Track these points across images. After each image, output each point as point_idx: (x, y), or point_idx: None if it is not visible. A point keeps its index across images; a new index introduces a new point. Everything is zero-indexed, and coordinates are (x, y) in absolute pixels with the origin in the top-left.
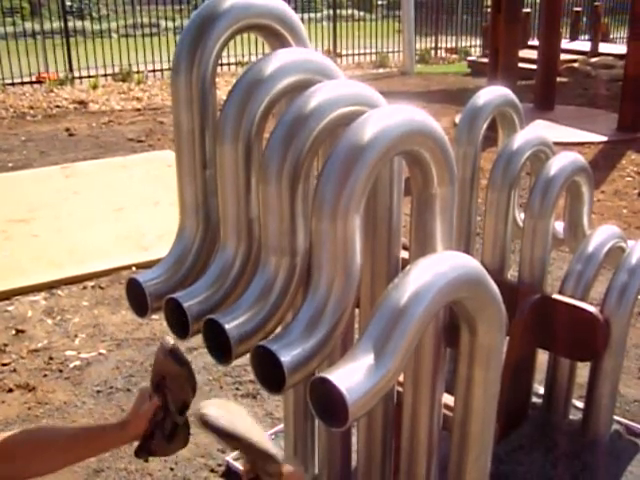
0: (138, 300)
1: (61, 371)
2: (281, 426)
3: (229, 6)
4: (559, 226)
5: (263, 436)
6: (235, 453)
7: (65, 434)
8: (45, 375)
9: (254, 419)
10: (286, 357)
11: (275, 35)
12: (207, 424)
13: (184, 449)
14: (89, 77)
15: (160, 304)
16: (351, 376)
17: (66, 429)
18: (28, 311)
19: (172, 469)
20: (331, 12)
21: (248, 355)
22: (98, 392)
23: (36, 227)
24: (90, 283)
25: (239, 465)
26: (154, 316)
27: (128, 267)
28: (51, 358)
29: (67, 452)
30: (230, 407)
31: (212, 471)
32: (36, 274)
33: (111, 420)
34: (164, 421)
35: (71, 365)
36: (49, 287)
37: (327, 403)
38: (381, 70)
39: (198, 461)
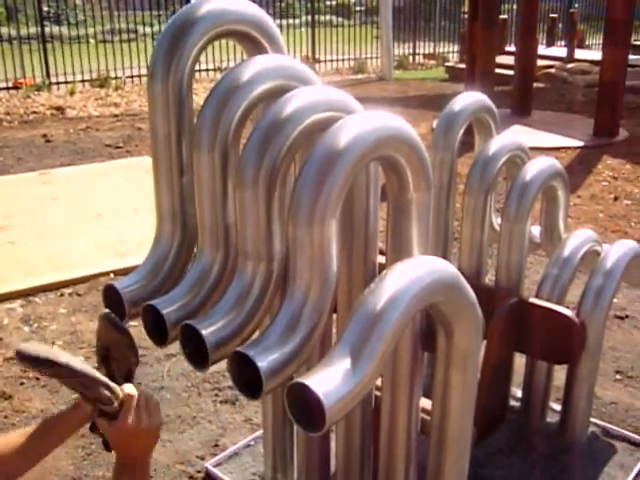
0: (115, 307)
1: (38, 379)
2: (260, 432)
3: (206, 12)
4: (536, 230)
5: (87, 366)
6: (214, 459)
7: (19, 437)
8: (22, 383)
9: (235, 424)
10: (263, 362)
11: (252, 41)
12: (23, 355)
13: (163, 456)
14: (66, 83)
15: (138, 311)
16: (328, 381)
17: (19, 432)
18: (4, 318)
19: (151, 476)
20: (309, 18)
21: (226, 361)
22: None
23: (13, 234)
24: (68, 290)
25: (219, 472)
26: (132, 323)
27: (106, 274)
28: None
29: (25, 453)
30: (51, 348)
31: (191, 478)
32: (13, 281)
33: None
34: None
35: None
36: (26, 294)
37: (304, 408)
38: (359, 76)
39: (177, 468)
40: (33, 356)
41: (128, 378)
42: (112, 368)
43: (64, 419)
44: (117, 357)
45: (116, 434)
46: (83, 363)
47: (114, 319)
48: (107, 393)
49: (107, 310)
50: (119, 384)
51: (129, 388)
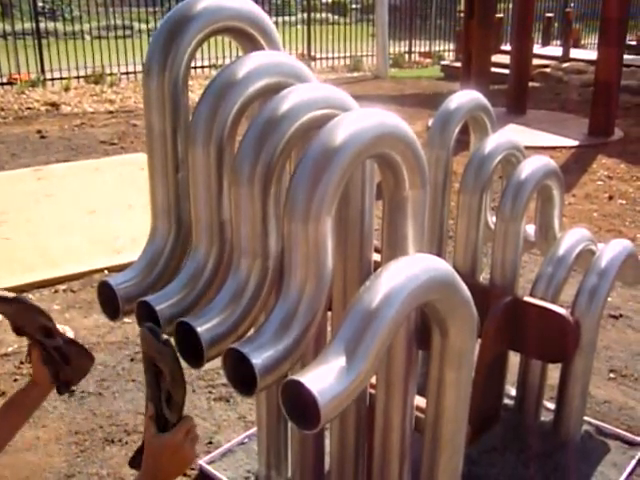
0: (110, 303)
1: (32, 375)
2: (254, 429)
3: (202, 9)
4: (530, 229)
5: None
6: (208, 457)
7: None
8: (16, 380)
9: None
10: (258, 359)
11: (247, 38)
12: (151, 330)
13: None
14: (61, 79)
15: (132, 307)
16: (323, 378)
17: None
18: None
19: None
20: (305, 15)
21: (220, 358)
22: (69, 396)
23: (7, 230)
24: (62, 286)
25: (212, 469)
26: (126, 319)
27: (100, 270)
28: (22, 362)
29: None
30: None
31: (185, 475)
32: (7, 277)
33: (82, 424)
34: (49, 352)
35: None
36: (20, 290)
37: (299, 405)
38: (355, 74)
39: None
40: (156, 331)
41: (48, 334)
42: (30, 334)
43: (29, 393)
44: (24, 323)
45: (160, 445)
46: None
47: (154, 329)
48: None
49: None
50: (45, 342)
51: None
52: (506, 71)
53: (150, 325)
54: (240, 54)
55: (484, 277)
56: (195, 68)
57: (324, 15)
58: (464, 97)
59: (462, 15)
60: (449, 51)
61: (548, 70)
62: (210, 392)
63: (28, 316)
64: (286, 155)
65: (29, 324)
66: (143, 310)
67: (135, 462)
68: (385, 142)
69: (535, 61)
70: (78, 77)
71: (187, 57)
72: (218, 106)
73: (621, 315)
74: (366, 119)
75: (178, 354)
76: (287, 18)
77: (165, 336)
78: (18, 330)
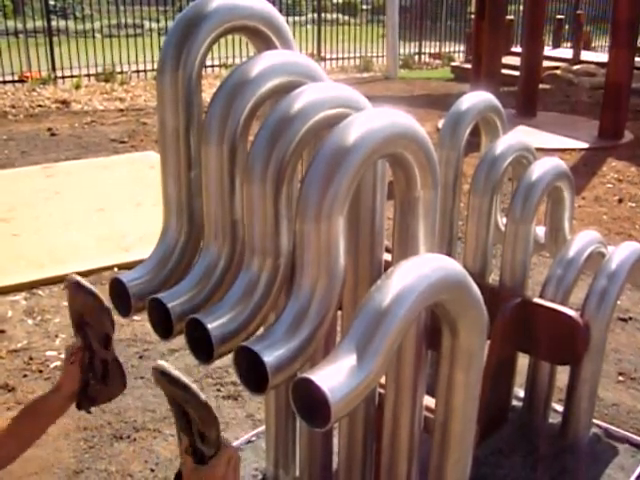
0: (121, 300)
1: (41, 371)
2: (262, 428)
3: (216, 7)
4: (540, 231)
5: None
6: None
7: (8, 426)
8: (25, 375)
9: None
10: (269, 357)
11: (261, 37)
12: (163, 372)
13: (165, 450)
14: (72, 77)
15: (143, 304)
16: (334, 377)
17: (8, 423)
18: (8, 311)
19: (152, 470)
20: (315, 16)
21: (230, 356)
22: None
23: (17, 227)
24: None
25: None
26: (135, 317)
27: (109, 268)
28: (31, 358)
29: (15, 436)
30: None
31: None
32: (16, 274)
33: (90, 420)
34: (93, 362)
35: (51, 365)
36: (30, 287)
37: (310, 403)
38: (365, 74)
39: (179, 462)
40: (172, 375)
41: (106, 345)
42: (88, 335)
43: (49, 401)
44: (92, 323)
45: (200, 479)
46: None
47: (81, 283)
48: (215, 435)
49: (74, 277)
50: (97, 351)
51: (228, 442)
52: (516, 73)
53: (161, 366)
54: (252, 53)
55: (493, 279)
56: (205, 67)
57: (334, 15)
58: (475, 98)
59: (472, 16)
60: (459, 52)
61: (558, 72)
62: (219, 390)
63: (99, 318)
64: (299, 154)
65: (96, 326)
66: (154, 307)
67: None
68: (397, 142)
69: (545, 63)
70: (89, 75)
71: (201, 55)
72: (231, 104)
73: (630, 318)
74: (379, 119)
75: (189, 350)
76: (297, 18)
77: (185, 380)
78: (79, 327)
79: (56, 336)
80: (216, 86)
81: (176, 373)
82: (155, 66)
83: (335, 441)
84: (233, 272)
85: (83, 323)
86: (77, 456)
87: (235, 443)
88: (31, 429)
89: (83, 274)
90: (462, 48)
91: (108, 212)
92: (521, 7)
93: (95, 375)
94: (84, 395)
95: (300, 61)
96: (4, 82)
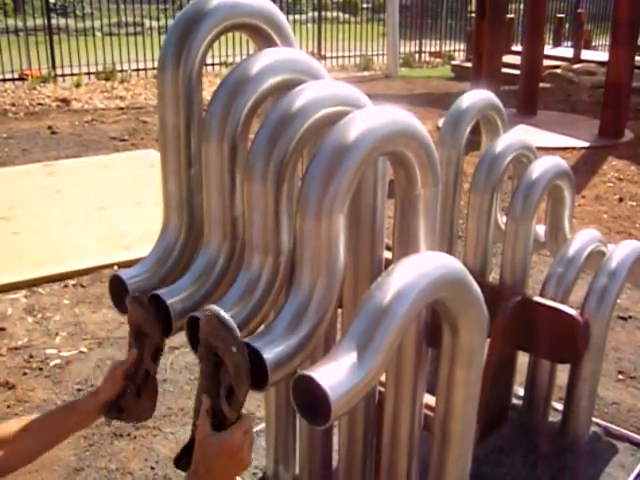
0: (121, 297)
1: (41, 369)
2: (262, 425)
3: (217, 4)
4: (540, 229)
5: None
6: None
7: (43, 416)
8: (25, 373)
9: None
10: (269, 354)
11: (261, 34)
12: (217, 315)
13: (165, 448)
14: (72, 75)
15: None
16: (334, 374)
17: (44, 413)
18: (8, 309)
19: (153, 468)
20: (316, 14)
21: None
22: (79, 390)
23: (17, 225)
24: (71, 281)
25: None
26: None
27: (110, 266)
28: (31, 356)
29: (47, 431)
30: None
31: None
32: (17, 272)
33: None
34: (137, 372)
35: (52, 363)
36: (30, 285)
37: (310, 401)
38: (365, 73)
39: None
40: (226, 321)
41: (155, 357)
42: (145, 345)
43: (84, 401)
44: (149, 332)
45: (217, 446)
46: None
47: (140, 298)
48: (243, 395)
49: (134, 293)
50: (145, 361)
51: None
52: (517, 72)
53: (215, 309)
54: (252, 51)
55: (494, 277)
56: (206, 65)
57: (335, 14)
58: (476, 96)
59: (473, 15)
60: (459, 51)
61: (559, 71)
62: None
63: (155, 330)
64: (299, 152)
65: (153, 336)
66: (154, 304)
67: (182, 462)
68: (398, 140)
69: (546, 62)
70: (89, 73)
71: (201, 53)
72: (232, 102)
73: (630, 317)
74: (379, 116)
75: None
76: (298, 16)
77: (233, 323)
78: (138, 337)
79: (56, 334)
80: (216, 84)
81: (230, 320)
82: (155, 64)
83: (335, 439)
84: (233, 269)
85: (142, 334)
86: (77, 454)
87: None
88: (61, 425)
89: (83, 272)
90: (462, 47)
91: (108, 210)
92: (521, 6)
93: (134, 384)
94: (115, 402)
95: (301, 59)
96: (4, 80)
